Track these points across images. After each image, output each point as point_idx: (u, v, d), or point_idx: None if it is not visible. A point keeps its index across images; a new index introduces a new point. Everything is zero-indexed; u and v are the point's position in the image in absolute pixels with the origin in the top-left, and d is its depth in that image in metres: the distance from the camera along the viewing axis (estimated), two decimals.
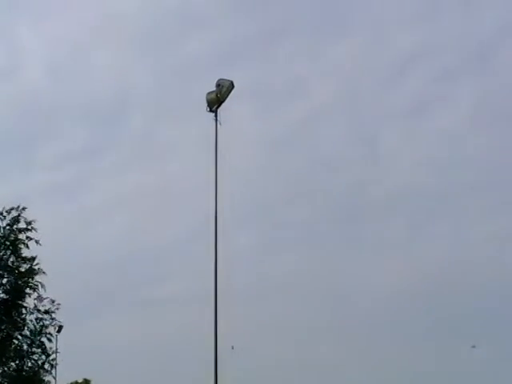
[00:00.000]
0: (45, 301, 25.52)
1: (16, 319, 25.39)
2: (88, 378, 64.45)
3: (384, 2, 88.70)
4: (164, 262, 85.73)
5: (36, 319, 25.54)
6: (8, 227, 25.44)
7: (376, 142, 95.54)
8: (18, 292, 25.22)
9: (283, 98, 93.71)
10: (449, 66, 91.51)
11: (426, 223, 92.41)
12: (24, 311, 25.53)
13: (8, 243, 25.33)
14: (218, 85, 19.42)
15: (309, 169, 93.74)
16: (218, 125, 19.32)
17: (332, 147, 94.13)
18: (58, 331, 34.24)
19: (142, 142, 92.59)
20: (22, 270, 25.42)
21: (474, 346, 58.31)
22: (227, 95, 19.41)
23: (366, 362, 72.12)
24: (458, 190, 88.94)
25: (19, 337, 25.55)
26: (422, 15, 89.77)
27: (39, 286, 25.34)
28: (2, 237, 25.36)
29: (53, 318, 25.75)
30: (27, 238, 25.47)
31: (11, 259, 25.39)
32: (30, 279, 25.32)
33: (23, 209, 25.51)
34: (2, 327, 25.25)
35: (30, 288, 25.34)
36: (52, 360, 26.44)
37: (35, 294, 25.45)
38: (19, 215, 25.45)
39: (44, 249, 25.90)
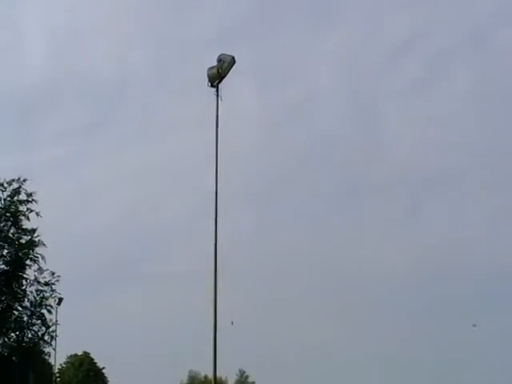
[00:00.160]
0: (45, 272, 25.50)
1: (16, 290, 25.44)
2: (87, 350, 65.13)
3: None
4: (164, 238, 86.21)
5: (36, 291, 25.53)
6: (9, 199, 25.38)
7: (376, 122, 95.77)
8: (18, 263, 25.23)
9: (284, 78, 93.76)
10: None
11: (426, 203, 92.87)
12: (24, 282, 25.55)
13: (8, 215, 25.29)
14: (219, 60, 19.37)
15: (309, 147, 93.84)
16: (219, 100, 19.31)
17: (332, 126, 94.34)
18: (58, 303, 34.51)
19: (142, 118, 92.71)
20: (23, 241, 25.42)
21: (474, 325, 58.71)
22: (228, 70, 19.36)
23: (365, 340, 72.71)
24: (457, 170, 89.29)
25: (19, 308, 25.59)
26: None
27: (39, 257, 25.35)
28: (3, 208, 25.31)
29: (53, 290, 25.74)
30: (28, 209, 25.43)
31: (12, 231, 25.37)
32: (31, 251, 25.32)
33: (24, 180, 25.44)
34: (3, 298, 25.30)
35: (31, 260, 25.33)
36: (52, 332, 26.36)
37: (35, 266, 25.47)
38: (20, 187, 25.39)
39: (44, 221, 25.99)
